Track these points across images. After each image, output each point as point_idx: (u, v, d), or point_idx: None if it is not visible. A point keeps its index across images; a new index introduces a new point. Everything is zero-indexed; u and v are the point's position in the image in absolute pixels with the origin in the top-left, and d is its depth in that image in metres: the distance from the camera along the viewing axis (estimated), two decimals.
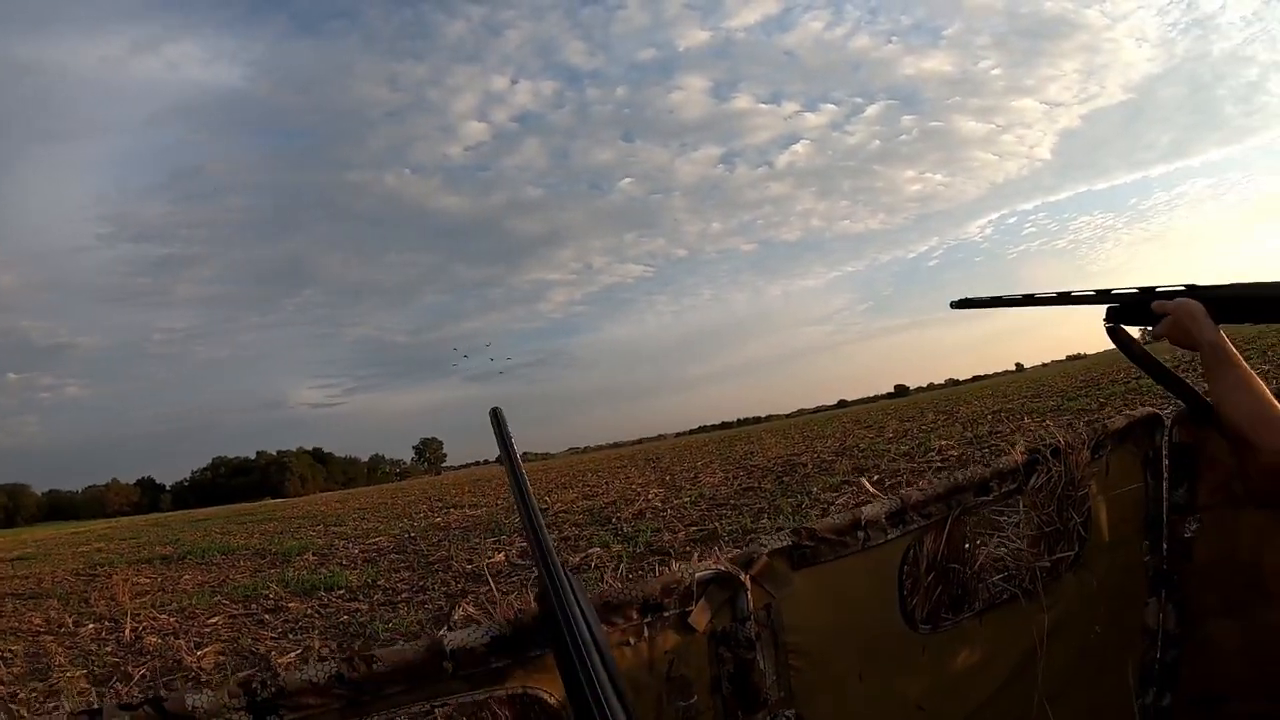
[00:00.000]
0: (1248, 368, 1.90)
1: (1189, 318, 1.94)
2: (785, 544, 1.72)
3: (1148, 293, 2.05)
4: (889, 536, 1.89)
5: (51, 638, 10.95)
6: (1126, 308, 2.08)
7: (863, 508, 1.87)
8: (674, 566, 1.63)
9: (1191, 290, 2.00)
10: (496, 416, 1.40)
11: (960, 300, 2.49)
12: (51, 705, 7.58)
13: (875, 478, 12.75)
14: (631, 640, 1.53)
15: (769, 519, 10.63)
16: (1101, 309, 2.11)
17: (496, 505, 23.15)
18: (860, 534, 1.84)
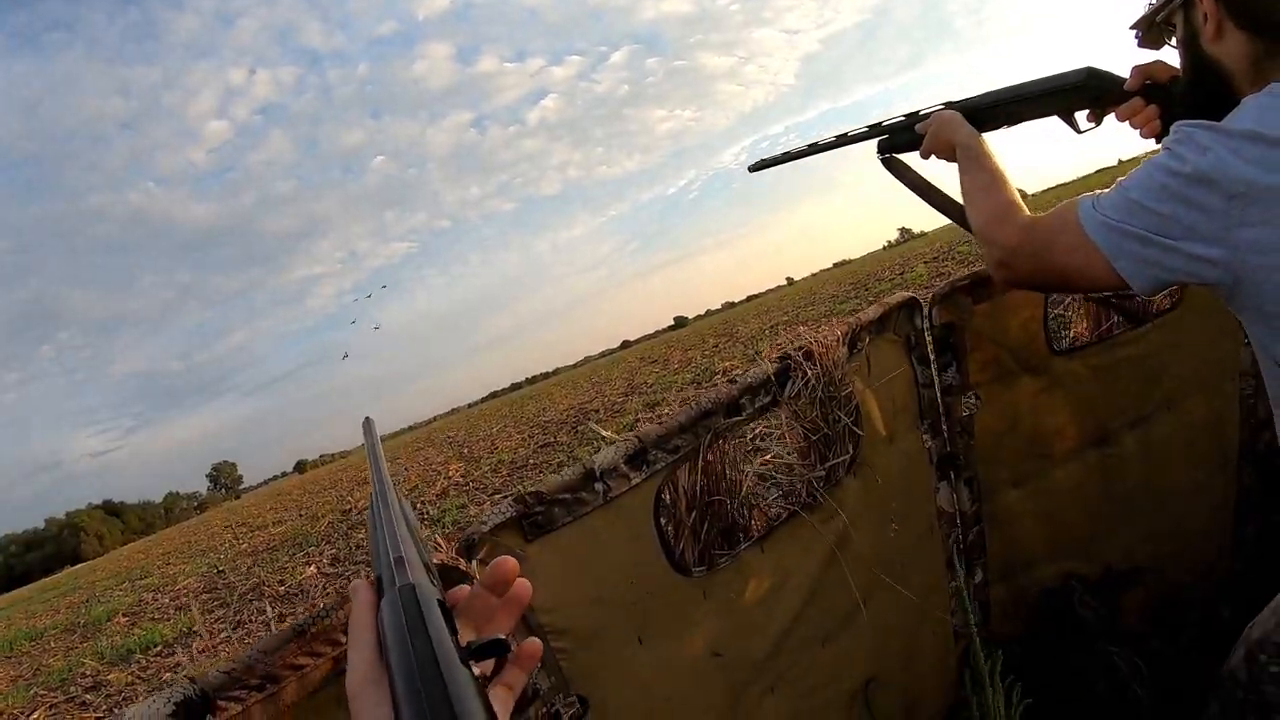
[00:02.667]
0: (1002, 171, 1.83)
1: (945, 124, 1.94)
2: (509, 515, 1.55)
3: (912, 117, 2.06)
4: (633, 482, 1.73)
5: None
6: (895, 136, 2.10)
7: (594, 456, 1.69)
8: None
9: (948, 105, 2.00)
10: (368, 427, 1.32)
11: (756, 163, 2.45)
12: None
13: (666, 410, 12.93)
14: None
15: (569, 470, 10.68)
16: (874, 144, 2.12)
17: (299, 516, 22.73)
18: (598, 486, 1.67)
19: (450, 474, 16.93)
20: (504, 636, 0.75)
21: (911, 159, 2.11)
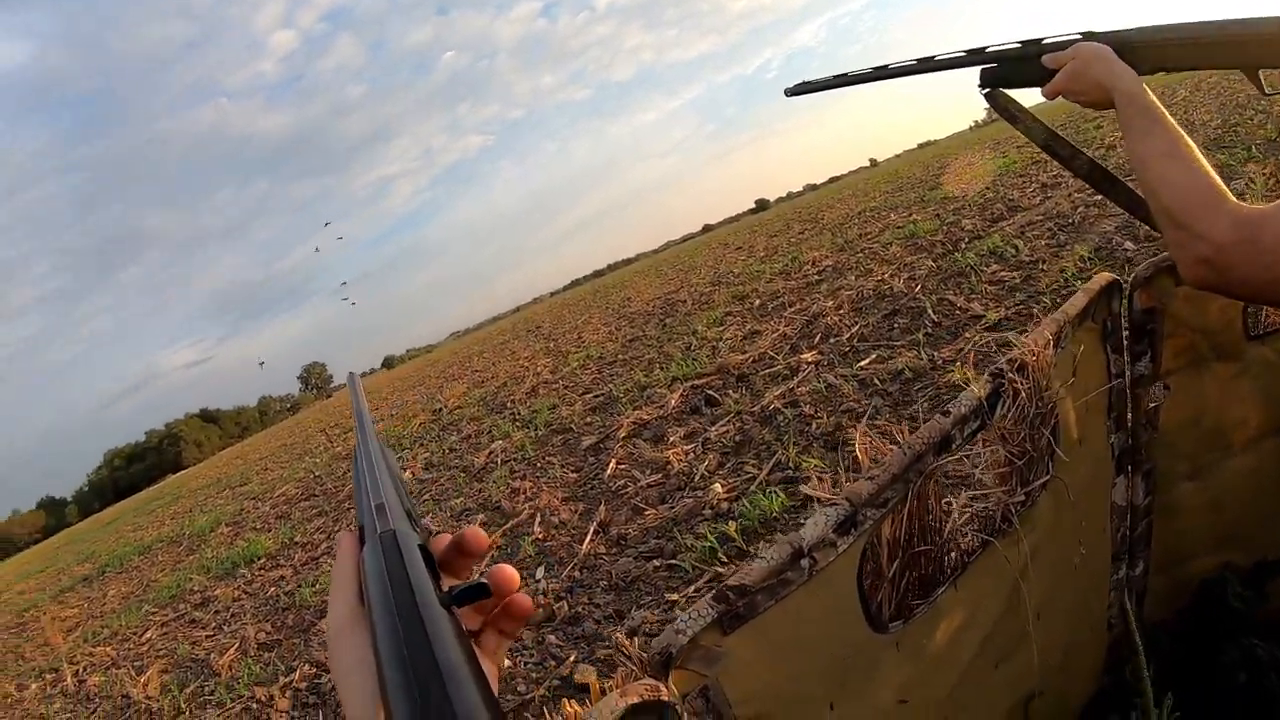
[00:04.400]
0: (1180, 129, 1.46)
1: (1097, 60, 1.56)
2: (711, 617, 1.37)
3: (1033, 45, 1.70)
4: (840, 549, 1.53)
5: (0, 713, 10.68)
6: (1007, 66, 1.75)
7: (801, 531, 1.48)
8: (568, 714, 1.36)
9: (1088, 36, 1.63)
10: (354, 380, 1.22)
11: (797, 86, 2.13)
12: None
13: (756, 303, 12.73)
14: None
15: (661, 369, 10.47)
16: (975, 73, 1.79)
17: (392, 416, 22.91)
18: (804, 563, 1.47)
19: (538, 370, 16.86)
20: (485, 581, 0.72)
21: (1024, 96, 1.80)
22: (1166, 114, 1.48)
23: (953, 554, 1.81)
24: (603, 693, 1.27)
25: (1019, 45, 1.72)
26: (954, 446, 1.68)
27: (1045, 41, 1.67)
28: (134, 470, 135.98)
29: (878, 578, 1.70)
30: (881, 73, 1.88)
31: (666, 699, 1.26)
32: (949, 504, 1.82)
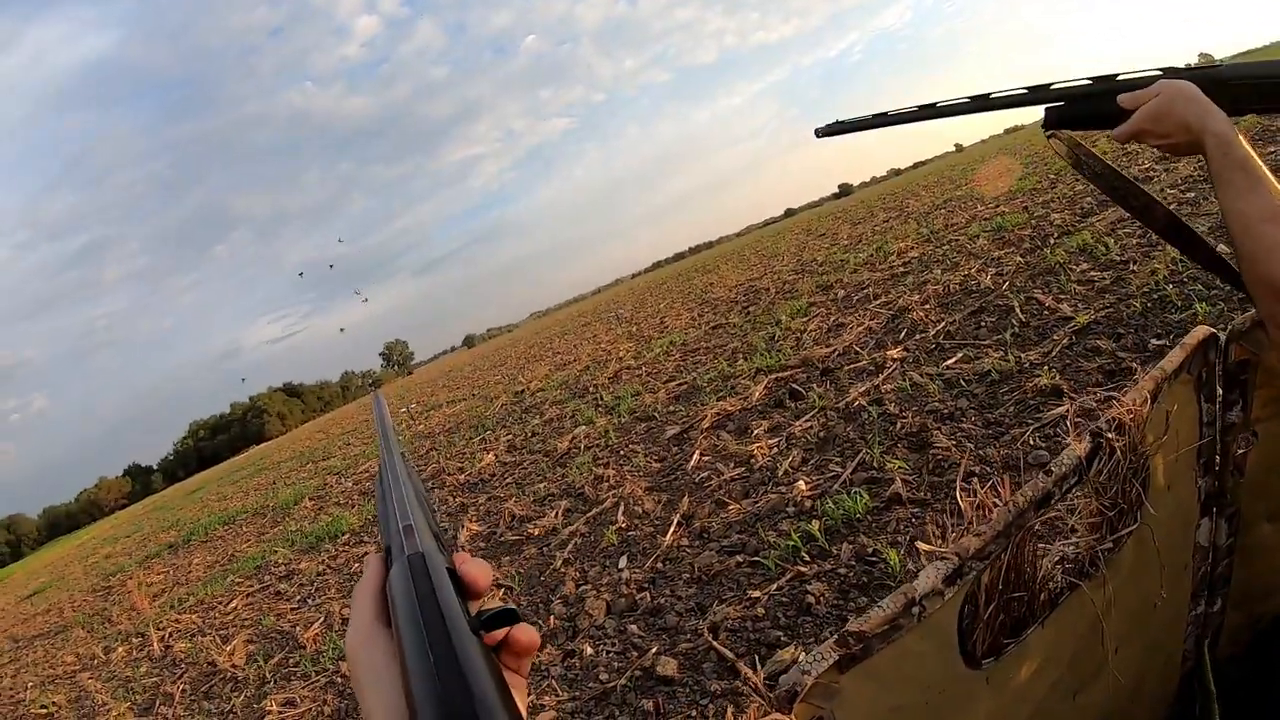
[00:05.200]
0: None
1: (1185, 100, 1.41)
2: (832, 660, 1.47)
3: (1106, 81, 1.53)
4: (946, 598, 1.63)
5: (87, 674, 10.96)
6: (1076, 106, 1.58)
7: (915, 582, 1.57)
8: None
9: (1170, 72, 1.48)
10: (377, 398, 1.29)
11: (830, 126, 1.99)
12: None
13: (840, 294, 12.69)
14: None
15: (745, 359, 10.48)
16: (1038, 112, 1.63)
17: (474, 397, 23.09)
18: (915, 610, 1.58)
19: (621, 355, 16.90)
20: (514, 607, 0.75)
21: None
22: (1264, 167, 1.36)
23: (1042, 595, 1.88)
24: None
25: (1089, 82, 1.57)
26: (1052, 502, 1.75)
27: (1121, 78, 1.53)
28: (218, 441, 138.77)
29: (974, 619, 1.79)
30: (928, 111, 1.74)
31: None
32: (1044, 549, 1.90)
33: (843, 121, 1.95)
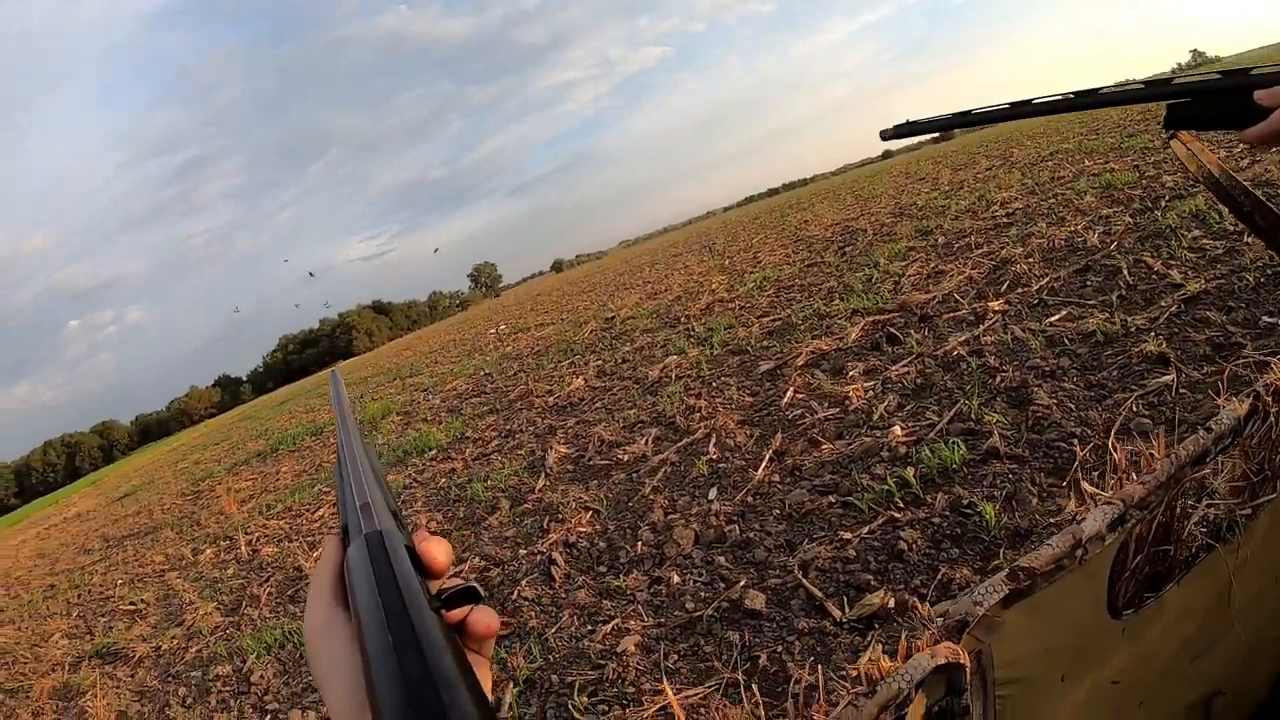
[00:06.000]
0: None
1: None
2: (1003, 593, 1.49)
3: (1238, 76, 1.26)
4: (1106, 542, 1.66)
5: (175, 574, 11.27)
6: (1202, 103, 1.32)
7: (1082, 524, 1.60)
8: (883, 666, 1.46)
9: None
10: (334, 376, 1.27)
11: (897, 128, 1.75)
12: (194, 650, 7.81)
13: (940, 240, 12.51)
14: None
15: (841, 299, 10.40)
16: (1160, 109, 1.36)
17: (563, 321, 23.17)
18: (1079, 552, 1.60)
19: (713, 288, 16.82)
20: (475, 585, 0.71)
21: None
22: None
23: (1182, 554, 1.88)
24: (909, 653, 1.40)
25: (1219, 76, 1.31)
26: (1208, 460, 1.74)
27: (1255, 73, 1.26)
28: (306, 355, 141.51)
29: (1121, 569, 1.79)
30: (1021, 109, 1.48)
31: (963, 663, 1.39)
32: (1190, 508, 1.90)
33: (913, 122, 1.72)
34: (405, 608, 0.64)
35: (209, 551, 11.61)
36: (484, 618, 0.75)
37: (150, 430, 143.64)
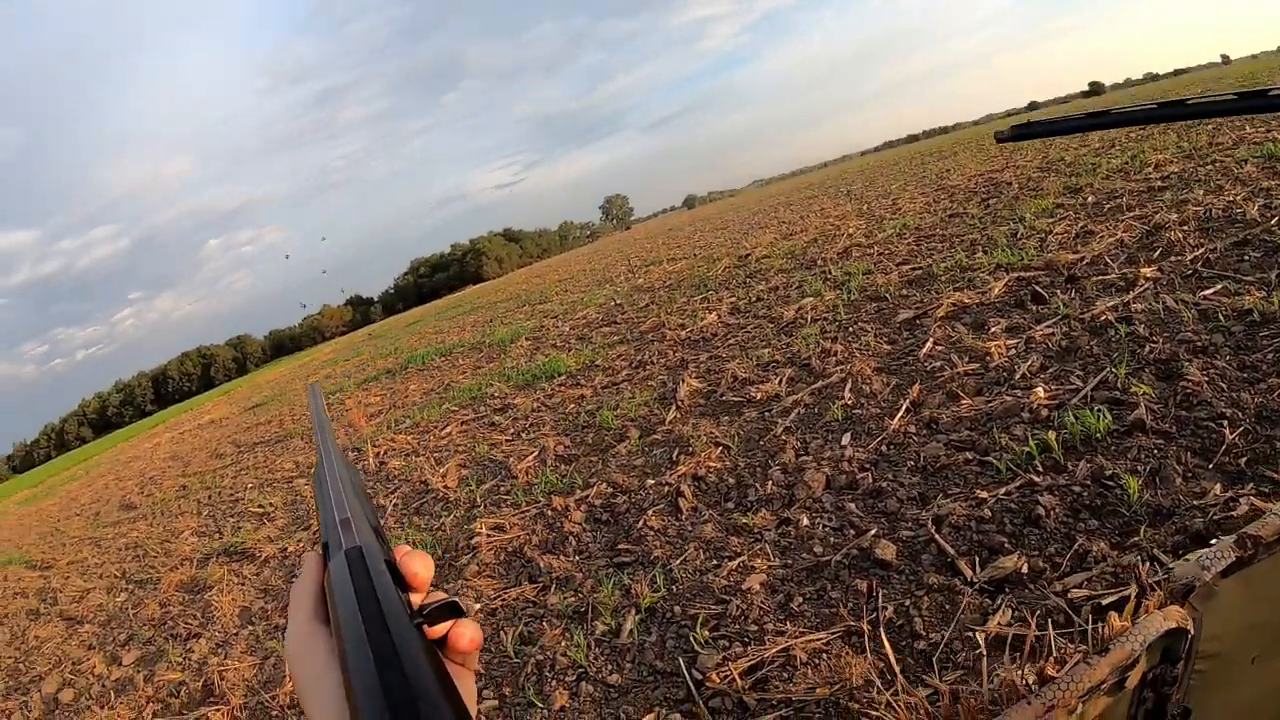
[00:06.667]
0: None
1: None
2: (1230, 560, 1.47)
3: None
4: None
5: (303, 480, 11.67)
6: None
7: None
8: (1114, 627, 1.45)
9: None
10: (313, 390, 1.26)
11: (1016, 129, 1.59)
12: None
13: (1089, 199, 12.17)
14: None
15: (984, 252, 10.19)
16: None
17: (696, 257, 23.11)
18: None
19: (851, 232, 16.61)
20: (456, 600, 0.72)
21: None
22: None
23: None
24: (1135, 615, 1.39)
25: None
26: None
27: None
28: (436, 279, 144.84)
29: None
30: (1173, 110, 1.34)
31: (1189, 629, 1.38)
32: None
33: (1035, 124, 1.59)
34: (385, 623, 0.66)
35: None
36: (467, 631, 0.76)
37: (283, 345, 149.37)
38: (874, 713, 3.35)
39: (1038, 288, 7.81)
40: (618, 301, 18.30)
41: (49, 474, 61.52)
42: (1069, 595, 3.41)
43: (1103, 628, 1.52)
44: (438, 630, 0.74)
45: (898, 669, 3.48)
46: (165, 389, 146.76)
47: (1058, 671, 1.46)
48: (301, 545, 8.56)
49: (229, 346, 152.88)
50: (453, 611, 0.73)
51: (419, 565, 0.81)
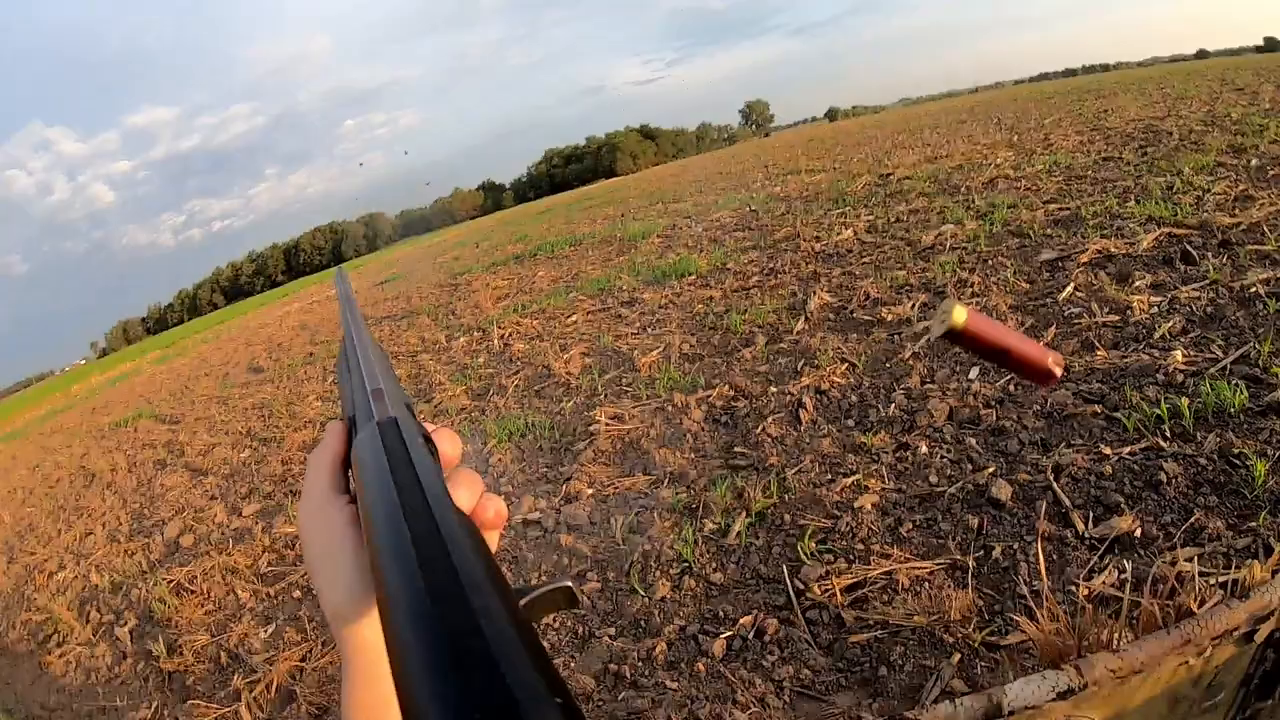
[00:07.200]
0: None
1: None
2: None
3: None
4: None
5: (428, 355, 11.91)
6: None
7: None
8: (1255, 576, 1.47)
9: None
10: (340, 274, 1.28)
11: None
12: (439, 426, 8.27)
13: (1253, 162, 11.76)
14: (1190, 660, 1.43)
15: (1136, 202, 9.91)
16: None
17: (835, 170, 22.83)
18: None
19: (998, 163, 16.23)
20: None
21: None
22: None
23: None
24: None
25: None
26: None
27: None
28: (569, 170, 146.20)
29: None
30: None
31: None
32: None
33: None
34: (425, 500, 0.61)
35: (462, 340, 12.19)
36: (493, 505, 0.77)
37: (413, 225, 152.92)
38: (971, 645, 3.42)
39: (1189, 246, 7.59)
40: (753, 207, 18.12)
41: (181, 336, 63.54)
42: (1177, 567, 3.42)
43: (1244, 575, 1.54)
44: (466, 506, 0.74)
45: (985, 606, 3.54)
46: (296, 261, 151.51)
47: (1198, 609, 1.50)
48: (421, 415, 8.76)
49: (360, 223, 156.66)
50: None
51: (447, 443, 0.82)
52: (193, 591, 6.62)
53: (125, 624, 6.52)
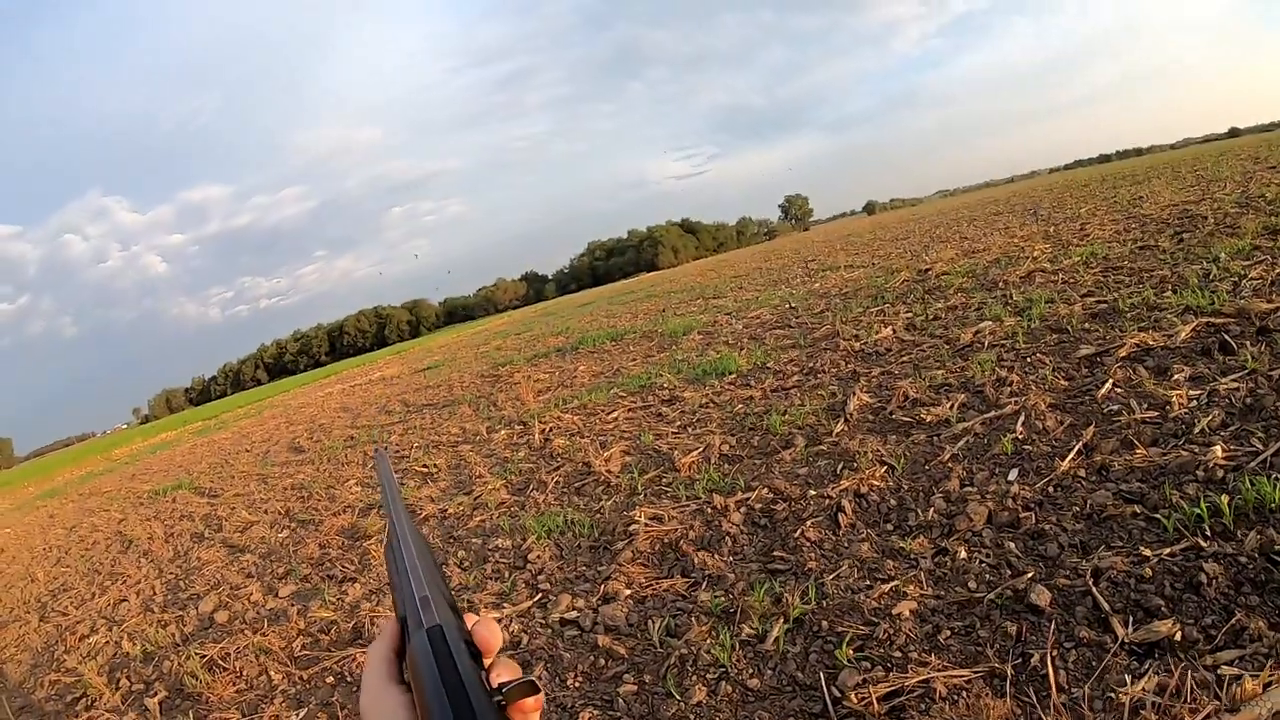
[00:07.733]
0: None
1: None
2: None
3: None
4: None
5: (469, 447, 12.01)
6: None
7: None
8: (1247, 690, 1.47)
9: None
10: (380, 455, 1.31)
11: None
12: (478, 519, 8.30)
13: None
14: None
15: (1174, 291, 9.85)
16: None
17: (874, 266, 22.92)
18: None
19: (1035, 255, 16.22)
20: (535, 679, 0.80)
21: None
22: None
23: None
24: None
25: None
26: None
27: None
28: (612, 263, 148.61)
29: None
30: None
31: None
32: None
33: None
34: (471, 706, 0.74)
35: (503, 433, 12.29)
36: (533, 695, 0.84)
37: (455, 313, 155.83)
38: None
39: (1226, 336, 7.55)
40: (792, 304, 18.21)
41: (224, 409, 64.33)
42: (1218, 670, 3.36)
43: (1237, 689, 1.55)
44: (513, 700, 0.82)
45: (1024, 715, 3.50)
46: (340, 342, 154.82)
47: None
48: (461, 508, 8.81)
49: (404, 309, 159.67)
50: (530, 689, 0.81)
51: (488, 634, 0.90)
52: (225, 668, 6.63)
53: (155, 694, 6.53)
